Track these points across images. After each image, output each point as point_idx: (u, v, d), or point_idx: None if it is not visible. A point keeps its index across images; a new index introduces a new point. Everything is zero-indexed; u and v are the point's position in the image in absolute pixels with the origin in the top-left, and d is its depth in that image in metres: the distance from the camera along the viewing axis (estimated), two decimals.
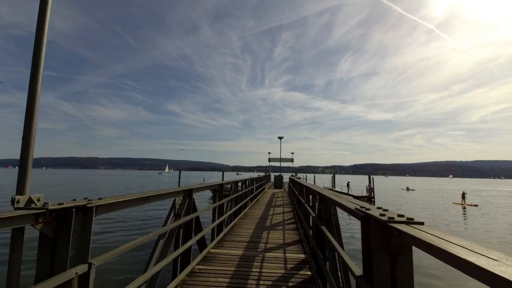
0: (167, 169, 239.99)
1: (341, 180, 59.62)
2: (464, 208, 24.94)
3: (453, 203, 28.86)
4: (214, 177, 68.53)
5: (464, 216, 19.93)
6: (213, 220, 5.37)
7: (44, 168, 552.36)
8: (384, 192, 42.29)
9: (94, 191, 34.76)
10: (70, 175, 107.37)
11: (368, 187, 31.01)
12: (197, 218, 4.05)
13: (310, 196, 5.72)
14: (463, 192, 29.57)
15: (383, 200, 30.57)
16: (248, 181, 10.65)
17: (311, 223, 5.38)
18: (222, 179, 28.92)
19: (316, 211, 3.84)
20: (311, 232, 4.84)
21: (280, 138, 26.57)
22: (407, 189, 51.34)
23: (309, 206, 5.48)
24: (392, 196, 35.98)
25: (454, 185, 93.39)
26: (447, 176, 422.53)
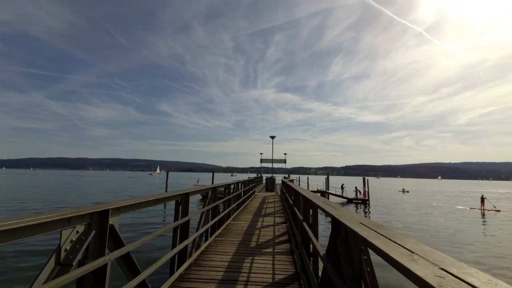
0: (158, 170, 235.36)
1: (334, 181, 58.35)
2: (483, 214, 22.33)
3: (470, 208, 25.89)
4: (206, 179, 66.46)
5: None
6: (173, 246, 3.72)
7: (31, 169, 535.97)
8: (380, 195, 41.13)
9: (57, 197, 32.46)
10: (56, 176, 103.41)
11: (357, 188, 29.75)
12: (127, 255, 2.40)
13: (310, 211, 4.11)
14: (482, 195, 26.52)
15: (381, 204, 29.19)
16: (234, 186, 9.02)
17: (311, 249, 3.79)
18: (212, 182, 27.09)
19: (329, 248, 2.19)
20: (311, 267, 3.26)
21: (272, 137, 25.07)
22: (403, 190, 50.41)
23: (308, 224, 3.85)
24: (390, 200, 34.41)
25: (446, 186, 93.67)
26: (436, 177, 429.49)
